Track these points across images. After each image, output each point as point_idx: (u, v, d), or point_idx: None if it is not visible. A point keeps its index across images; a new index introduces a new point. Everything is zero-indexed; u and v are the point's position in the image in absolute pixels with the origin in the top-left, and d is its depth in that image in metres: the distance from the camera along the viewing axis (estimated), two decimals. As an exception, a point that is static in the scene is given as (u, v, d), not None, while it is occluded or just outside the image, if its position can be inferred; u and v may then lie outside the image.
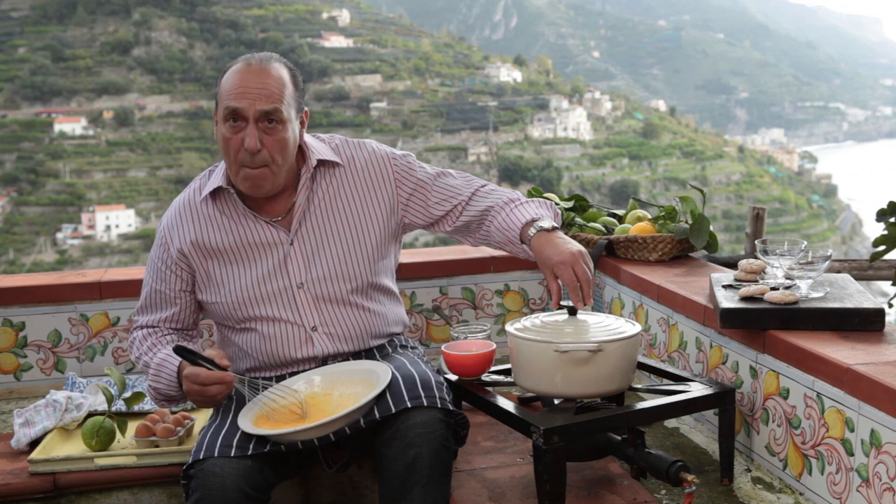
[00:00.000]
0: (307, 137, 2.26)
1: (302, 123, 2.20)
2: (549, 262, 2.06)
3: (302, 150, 2.23)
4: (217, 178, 2.22)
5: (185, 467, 1.98)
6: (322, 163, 2.24)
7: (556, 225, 2.15)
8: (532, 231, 2.13)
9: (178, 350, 2.03)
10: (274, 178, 2.13)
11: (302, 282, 2.20)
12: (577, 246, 2.06)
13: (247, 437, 1.98)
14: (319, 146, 2.27)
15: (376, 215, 2.27)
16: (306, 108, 2.23)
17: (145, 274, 2.32)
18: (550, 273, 2.06)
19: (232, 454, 1.94)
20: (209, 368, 2.02)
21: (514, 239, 2.19)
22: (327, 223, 2.23)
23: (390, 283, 2.36)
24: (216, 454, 1.94)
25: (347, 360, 2.25)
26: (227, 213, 2.22)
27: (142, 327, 2.29)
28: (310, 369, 2.22)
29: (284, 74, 2.13)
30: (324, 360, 2.23)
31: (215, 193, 2.23)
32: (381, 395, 1.99)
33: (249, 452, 1.95)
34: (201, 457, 1.95)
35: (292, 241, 2.20)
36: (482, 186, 2.34)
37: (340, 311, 2.23)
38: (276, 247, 2.20)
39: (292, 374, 2.23)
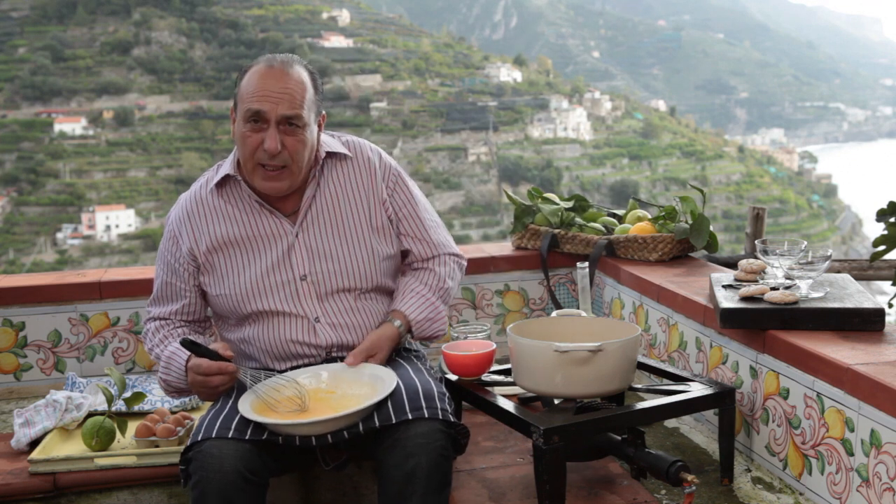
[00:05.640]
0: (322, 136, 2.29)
1: (319, 126, 2.24)
2: (377, 344, 2.21)
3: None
4: (226, 167, 2.25)
5: (183, 451, 1.98)
6: (331, 155, 2.27)
7: (404, 332, 2.29)
8: (395, 322, 2.27)
9: (185, 342, 2.06)
10: (292, 179, 2.18)
11: (305, 274, 2.22)
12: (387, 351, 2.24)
13: (245, 421, 1.98)
14: (330, 140, 2.32)
15: (380, 212, 2.30)
16: (324, 112, 2.27)
17: (156, 266, 2.35)
18: (373, 342, 2.21)
19: (230, 436, 1.94)
20: (213, 360, 2.03)
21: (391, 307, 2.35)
22: (334, 216, 2.26)
23: (393, 283, 2.37)
24: (214, 435, 1.94)
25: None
26: (234, 202, 2.25)
27: (154, 319, 2.32)
28: (316, 362, 2.23)
29: (306, 78, 2.17)
30: (328, 351, 2.24)
31: (223, 183, 2.25)
32: (383, 403, 1.99)
33: (247, 437, 1.95)
34: (199, 438, 1.95)
35: (297, 233, 2.22)
36: (442, 261, 2.40)
37: (343, 304, 2.25)
38: (280, 238, 2.22)
39: (299, 366, 2.24)
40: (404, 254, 2.38)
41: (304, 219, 2.24)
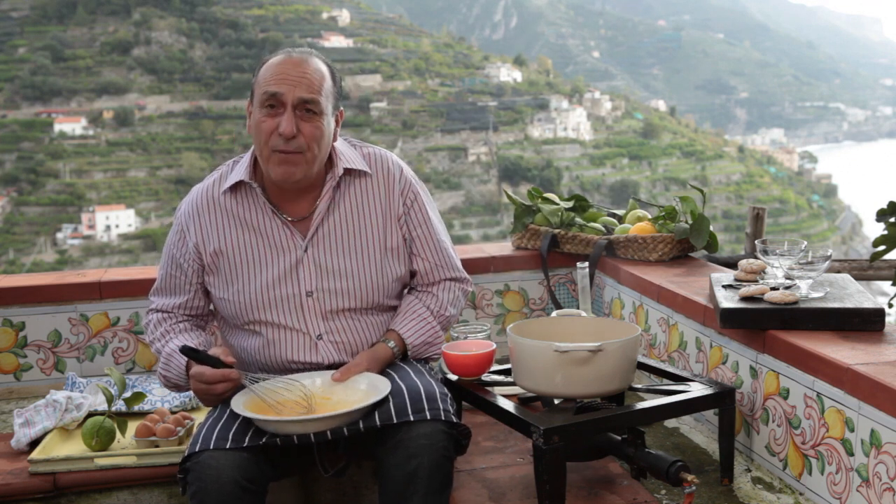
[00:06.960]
0: (339, 142, 2.24)
1: (336, 122, 2.19)
2: (369, 367, 2.16)
3: (330, 155, 2.21)
4: (241, 170, 2.20)
5: (181, 461, 1.98)
6: (348, 171, 2.23)
7: (398, 354, 2.25)
8: (390, 343, 2.24)
9: (184, 350, 2.04)
10: (307, 167, 2.12)
11: (311, 290, 2.19)
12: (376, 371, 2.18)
13: (242, 429, 1.97)
14: (350, 153, 2.25)
15: (395, 230, 2.26)
16: (341, 108, 2.22)
17: (162, 256, 2.33)
18: (365, 364, 2.16)
19: (227, 446, 1.93)
20: (214, 367, 2.02)
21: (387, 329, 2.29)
22: (345, 234, 2.21)
23: (398, 301, 2.34)
24: (212, 446, 1.94)
25: None
26: (247, 206, 2.21)
27: (157, 311, 2.30)
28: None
29: (324, 69, 2.15)
30: (328, 368, 2.22)
31: (236, 186, 2.22)
32: (384, 402, 1.99)
33: (245, 444, 1.94)
34: (197, 449, 1.95)
35: (306, 248, 2.19)
36: (448, 285, 2.36)
37: (347, 323, 2.22)
38: (289, 250, 2.19)
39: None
40: (411, 273, 2.34)
41: (315, 234, 2.19)
